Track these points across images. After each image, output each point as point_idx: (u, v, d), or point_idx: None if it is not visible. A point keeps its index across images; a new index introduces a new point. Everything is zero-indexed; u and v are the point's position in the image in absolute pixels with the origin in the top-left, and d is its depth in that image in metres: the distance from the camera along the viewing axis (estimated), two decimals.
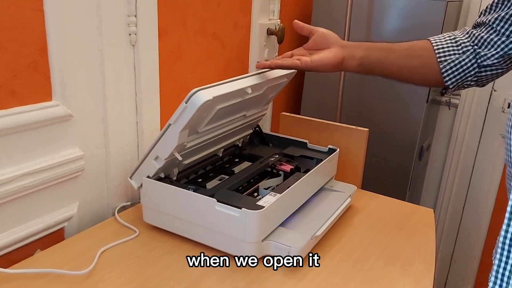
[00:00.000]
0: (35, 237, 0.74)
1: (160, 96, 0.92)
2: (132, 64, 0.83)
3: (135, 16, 0.80)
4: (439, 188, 1.76)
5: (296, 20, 0.84)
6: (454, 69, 0.74)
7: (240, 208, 0.69)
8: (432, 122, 1.61)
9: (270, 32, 1.18)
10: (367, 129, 1.00)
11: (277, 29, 1.19)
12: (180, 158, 0.75)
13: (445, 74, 0.74)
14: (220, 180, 0.89)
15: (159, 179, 0.79)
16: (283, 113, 1.11)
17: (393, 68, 0.77)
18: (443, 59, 0.74)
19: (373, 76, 0.81)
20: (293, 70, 0.94)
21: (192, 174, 0.89)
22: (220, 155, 0.96)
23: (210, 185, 0.85)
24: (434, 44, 0.75)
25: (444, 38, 0.76)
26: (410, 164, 1.34)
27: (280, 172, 0.92)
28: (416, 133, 1.32)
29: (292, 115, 1.10)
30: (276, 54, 1.30)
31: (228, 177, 0.89)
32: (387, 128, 1.36)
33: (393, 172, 1.37)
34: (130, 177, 0.79)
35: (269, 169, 0.93)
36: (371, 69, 0.79)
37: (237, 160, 0.99)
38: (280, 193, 0.76)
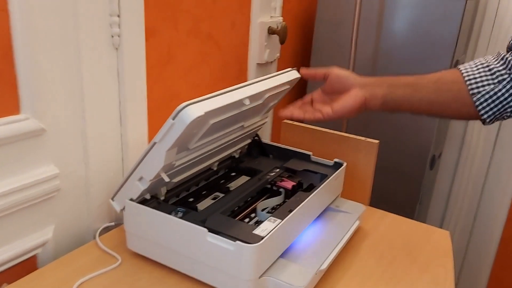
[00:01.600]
0: (2, 268, 0.66)
1: (148, 105, 0.83)
2: (115, 70, 0.74)
3: (118, 16, 0.71)
4: (449, 197, 1.68)
5: (302, 69, 0.79)
6: (489, 101, 0.65)
7: (235, 240, 0.61)
8: (444, 128, 1.53)
9: (271, 31, 1.10)
10: (377, 141, 0.92)
11: (279, 28, 1.10)
12: (167, 179, 0.67)
13: (480, 107, 0.66)
14: (214, 199, 0.81)
15: (144, 201, 0.70)
16: (286, 121, 1.03)
17: (421, 105, 0.70)
18: (476, 91, 0.65)
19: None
20: (296, 76, 0.85)
21: (183, 192, 0.81)
22: (215, 169, 0.88)
23: (202, 205, 0.77)
24: (465, 75, 0.67)
25: (476, 66, 0.67)
26: (421, 174, 1.26)
27: (281, 190, 0.84)
28: (429, 142, 1.23)
29: (295, 123, 1.01)
30: (278, 55, 1.21)
31: (223, 195, 0.81)
32: (398, 137, 1.27)
33: (403, 183, 1.28)
34: (112, 198, 0.71)
35: (269, 186, 0.85)
36: (396, 107, 0.72)
37: (233, 174, 0.91)
38: (281, 219, 0.68)
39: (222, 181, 0.88)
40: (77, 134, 0.72)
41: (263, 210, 0.79)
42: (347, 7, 1.25)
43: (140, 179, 0.66)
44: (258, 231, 0.65)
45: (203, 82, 0.99)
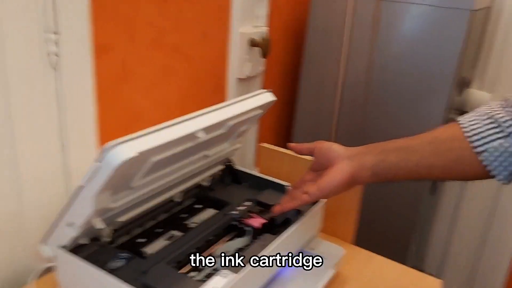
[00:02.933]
0: None
1: (101, 129, 0.75)
2: (53, 93, 0.66)
3: (55, 33, 0.62)
4: (453, 228, 1.57)
5: (289, 144, 0.72)
6: (501, 159, 0.54)
7: None
8: None
9: (253, 44, 1.00)
10: None
11: (262, 39, 1.00)
12: (101, 226, 0.58)
13: (490, 168, 0.55)
14: (169, 239, 0.72)
15: (78, 246, 0.62)
16: (263, 144, 0.94)
17: (419, 171, 0.59)
18: (480, 149, 0.54)
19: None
20: (271, 99, 0.76)
21: (136, 229, 0.73)
22: (180, 200, 0.79)
23: (153, 248, 0.68)
24: (464, 130, 0.56)
25: (477, 119, 0.56)
26: (419, 201, 1.15)
27: (248, 229, 0.75)
28: None
29: (273, 147, 0.92)
30: (262, 68, 1.12)
31: (181, 234, 0.72)
32: None
33: (398, 212, 1.18)
34: (43, 243, 0.63)
35: (235, 224, 0.76)
36: (390, 176, 0.62)
37: (199, 206, 0.82)
38: (236, 272, 0.59)
39: (183, 215, 0.79)
40: (4, 164, 0.63)
41: (222, 255, 0.70)
42: (341, 16, 1.15)
43: (71, 224, 0.58)
44: None
45: (170, 100, 0.90)
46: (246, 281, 0.59)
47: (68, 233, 0.58)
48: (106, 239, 0.66)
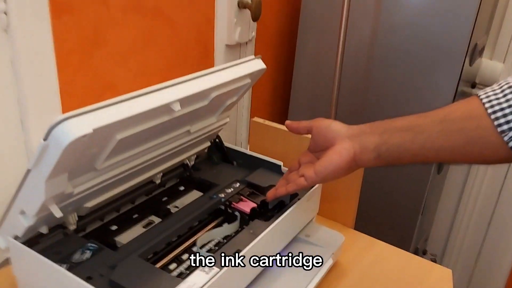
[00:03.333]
0: None
1: (67, 99, 0.66)
2: (5, 58, 0.57)
3: None
4: (458, 206, 1.49)
5: (286, 122, 0.64)
6: None
7: None
8: None
9: (242, 5, 0.90)
10: None
11: (251, 1, 0.90)
12: (58, 214, 0.50)
13: None
14: (146, 226, 0.64)
15: (38, 236, 0.54)
16: (255, 118, 0.85)
17: (426, 154, 0.51)
18: (506, 127, 0.45)
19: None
20: (260, 68, 0.67)
21: (109, 215, 0.65)
22: (158, 181, 0.71)
23: (127, 237, 0.60)
24: (488, 106, 0.46)
25: (500, 91, 0.47)
26: (426, 180, 1.07)
27: (236, 214, 0.67)
28: None
29: (266, 123, 0.83)
30: (254, 34, 1.01)
31: (160, 220, 0.65)
32: None
33: (403, 193, 1.10)
34: None
35: (223, 208, 0.68)
36: (394, 159, 0.54)
37: (182, 188, 0.74)
38: (219, 268, 0.51)
39: (165, 198, 0.71)
40: None
41: (207, 244, 0.62)
42: None
43: (23, 212, 0.50)
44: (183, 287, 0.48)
45: (151, 69, 0.81)
46: (232, 277, 0.51)
47: (22, 222, 0.50)
48: (71, 227, 0.58)
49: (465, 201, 1.51)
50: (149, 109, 0.48)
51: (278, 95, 1.24)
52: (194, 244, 0.61)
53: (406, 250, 0.74)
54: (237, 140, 1.07)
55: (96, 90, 0.72)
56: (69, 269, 0.51)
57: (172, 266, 0.57)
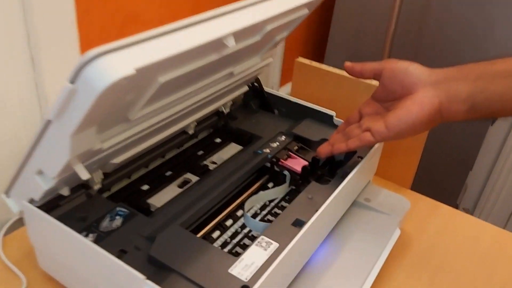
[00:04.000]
0: None
1: (85, 33, 0.55)
2: None
3: None
4: (497, 160, 1.40)
5: (347, 63, 0.53)
6: None
7: None
8: None
9: None
10: None
11: None
12: (85, 176, 0.41)
13: None
14: (182, 185, 0.55)
15: (57, 198, 0.45)
16: (299, 59, 0.74)
17: None
18: None
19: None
20: None
21: (137, 172, 0.56)
22: (191, 132, 0.61)
23: (160, 198, 0.52)
24: None
25: None
26: (482, 134, 0.97)
27: (285, 173, 0.58)
28: None
29: (313, 64, 0.72)
30: None
31: (197, 178, 0.56)
32: None
33: (454, 147, 1.00)
34: (6, 193, 0.46)
35: (268, 165, 0.59)
36: (492, 112, 0.45)
37: (219, 141, 0.65)
38: (279, 243, 0.43)
39: (200, 153, 0.62)
40: None
41: (253, 210, 0.54)
42: None
43: (40, 173, 0.41)
44: (238, 269, 0.40)
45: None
46: (294, 252, 0.43)
47: (39, 184, 0.41)
48: (96, 186, 0.49)
49: (505, 155, 1.42)
50: (199, 44, 0.38)
51: (313, 32, 1.11)
52: (238, 207, 0.53)
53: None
54: (268, 84, 0.96)
55: (117, 21, 0.61)
56: (97, 240, 0.43)
57: (215, 234, 0.49)
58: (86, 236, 0.43)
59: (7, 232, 0.54)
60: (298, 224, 0.46)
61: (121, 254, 0.42)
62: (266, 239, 0.44)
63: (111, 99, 0.33)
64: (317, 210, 0.46)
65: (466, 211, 1.42)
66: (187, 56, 0.38)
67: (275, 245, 0.43)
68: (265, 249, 0.42)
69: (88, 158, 0.42)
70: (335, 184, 0.51)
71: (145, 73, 0.34)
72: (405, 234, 0.59)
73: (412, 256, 0.57)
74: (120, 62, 0.31)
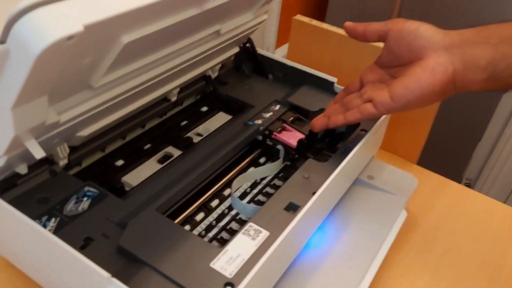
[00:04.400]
0: None
1: None
2: None
3: None
4: (503, 131, 1.35)
5: (348, 23, 0.46)
6: None
7: None
8: None
9: None
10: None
11: None
12: (38, 155, 0.35)
13: None
14: (162, 161, 0.49)
15: (13, 177, 0.39)
16: (297, 16, 0.66)
17: None
18: None
19: None
20: None
21: (112, 144, 0.50)
22: (173, 99, 0.55)
23: (137, 176, 0.46)
24: None
25: None
26: (494, 104, 0.91)
27: (279, 147, 0.52)
28: None
29: (313, 22, 0.65)
30: None
31: (180, 152, 0.50)
32: None
33: (464, 118, 0.94)
34: None
35: (260, 138, 0.53)
36: None
37: (205, 109, 0.58)
38: (270, 231, 0.37)
39: (184, 123, 0.55)
40: None
41: (242, 188, 0.48)
42: None
43: None
44: (221, 263, 0.35)
45: None
46: (290, 240, 0.37)
47: None
48: (61, 162, 0.43)
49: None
50: None
51: None
52: (225, 186, 0.48)
53: (458, 182, 0.61)
54: (263, 45, 0.89)
55: None
56: (60, 226, 0.37)
57: (199, 216, 0.44)
58: (47, 221, 0.38)
59: None
60: (292, 208, 0.41)
61: (86, 243, 0.37)
62: (255, 226, 0.38)
63: (59, 63, 0.27)
64: (314, 193, 0.41)
65: (469, 182, 1.38)
66: (157, 9, 0.31)
67: (265, 233, 0.38)
68: (253, 239, 0.37)
69: (45, 133, 0.35)
70: (335, 162, 0.45)
71: (101, 31, 0.27)
72: (410, 214, 0.54)
73: (418, 238, 0.52)
74: (63, 16, 0.24)
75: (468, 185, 1.36)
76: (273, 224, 0.38)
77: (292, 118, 0.55)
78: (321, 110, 0.54)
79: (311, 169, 0.45)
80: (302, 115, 0.56)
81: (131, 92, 0.42)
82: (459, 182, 0.94)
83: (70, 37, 0.24)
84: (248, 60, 0.63)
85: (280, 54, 0.65)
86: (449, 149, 0.96)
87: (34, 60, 0.24)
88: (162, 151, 0.50)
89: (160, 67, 0.44)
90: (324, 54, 0.64)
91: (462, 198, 0.59)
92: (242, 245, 0.36)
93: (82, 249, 0.36)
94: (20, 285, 0.43)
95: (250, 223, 0.38)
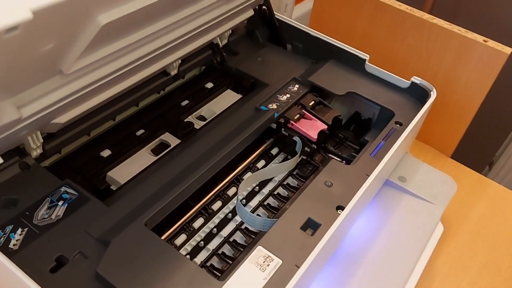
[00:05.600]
0: None
1: None
2: None
3: None
4: None
5: None
6: None
7: None
8: None
9: None
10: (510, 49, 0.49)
11: None
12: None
13: None
14: (157, 151, 0.42)
15: None
16: None
17: None
18: None
19: None
20: None
21: (99, 127, 0.43)
22: (173, 72, 0.47)
23: (125, 171, 0.39)
24: None
25: None
26: None
27: (295, 139, 0.45)
28: None
29: None
30: None
31: (178, 142, 0.43)
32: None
33: (496, 104, 0.85)
34: None
35: (274, 127, 0.46)
36: None
37: (210, 86, 0.50)
38: (288, 264, 0.31)
39: (184, 103, 0.48)
40: None
41: (247, 196, 0.42)
42: None
43: None
44: None
45: None
46: (310, 271, 0.31)
47: None
48: (33, 153, 0.37)
49: None
50: None
51: None
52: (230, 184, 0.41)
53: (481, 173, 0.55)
54: (280, 7, 0.79)
55: None
56: (27, 239, 0.32)
57: (198, 222, 0.38)
58: (12, 232, 0.32)
59: None
60: (311, 226, 0.35)
61: (59, 263, 0.31)
62: (264, 251, 0.32)
63: (4, 56, 0.20)
64: (338, 207, 0.34)
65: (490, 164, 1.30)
66: None
67: (276, 262, 0.32)
68: (263, 269, 0.31)
69: (4, 130, 0.29)
70: (364, 166, 0.38)
71: (63, 13, 0.20)
72: (446, 220, 0.47)
73: (454, 249, 0.46)
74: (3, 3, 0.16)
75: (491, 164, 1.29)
76: (287, 249, 0.32)
77: (312, 102, 0.47)
78: (348, 94, 0.47)
79: (334, 174, 0.39)
80: (324, 99, 0.48)
81: (120, 72, 0.35)
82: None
83: (15, 28, 0.16)
84: (263, 26, 0.55)
85: (300, 13, 0.56)
86: (483, 134, 0.88)
87: None
88: (157, 139, 0.43)
89: (157, 41, 0.36)
90: (355, 24, 0.55)
91: (503, 200, 0.53)
92: (248, 278, 0.30)
93: (52, 272, 0.30)
94: None
95: (259, 247, 0.32)
